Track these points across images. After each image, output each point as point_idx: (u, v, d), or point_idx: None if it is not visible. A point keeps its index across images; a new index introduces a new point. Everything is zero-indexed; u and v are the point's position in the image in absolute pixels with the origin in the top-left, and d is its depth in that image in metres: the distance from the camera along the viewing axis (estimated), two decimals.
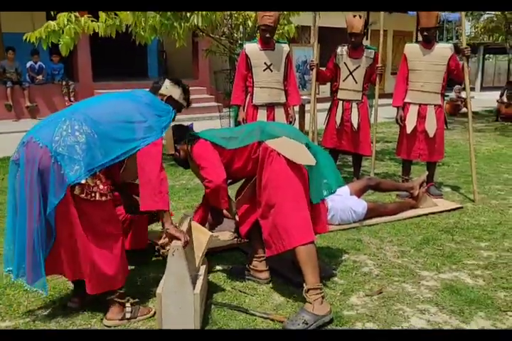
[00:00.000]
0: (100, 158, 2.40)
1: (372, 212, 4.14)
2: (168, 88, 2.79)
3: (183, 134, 2.99)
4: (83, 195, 2.38)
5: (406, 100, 5.02)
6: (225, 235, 3.67)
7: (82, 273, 2.52)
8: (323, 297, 2.60)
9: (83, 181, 2.36)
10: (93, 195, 2.41)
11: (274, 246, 2.75)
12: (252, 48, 4.91)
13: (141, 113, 2.56)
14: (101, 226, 2.48)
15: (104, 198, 2.45)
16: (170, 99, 2.80)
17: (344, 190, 4.16)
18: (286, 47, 4.97)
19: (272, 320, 2.61)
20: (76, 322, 2.61)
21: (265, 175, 2.77)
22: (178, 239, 2.49)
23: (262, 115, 4.96)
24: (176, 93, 2.82)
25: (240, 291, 2.95)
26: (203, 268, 2.74)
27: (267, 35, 4.77)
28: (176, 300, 2.43)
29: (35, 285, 2.49)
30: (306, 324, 2.49)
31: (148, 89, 2.81)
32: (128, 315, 2.61)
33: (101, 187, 2.44)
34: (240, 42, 7.19)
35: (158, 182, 2.46)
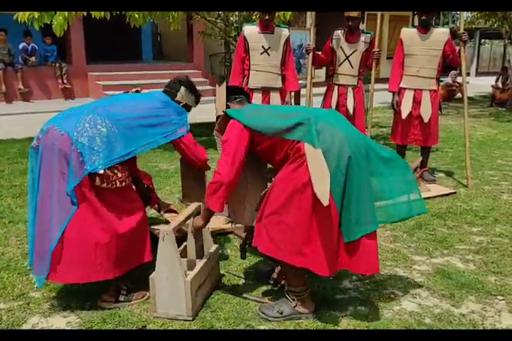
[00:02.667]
0: (119, 151, 2.50)
1: None
2: (183, 96, 2.92)
3: (237, 94, 2.84)
4: (104, 185, 2.48)
5: (401, 85, 5.00)
6: (219, 219, 3.68)
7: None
8: (306, 297, 2.51)
9: (101, 172, 2.44)
10: (113, 183, 2.51)
11: (260, 244, 2.47)
12: (250, 31, 4.86)
13: (159, 110, 2.71)
14: (125, 206, 2.57)
15: (124, 184, 2.55)
16: (184, 106, 2.92)
17: None
18: (285, 31, 4.92)
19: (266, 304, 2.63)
20: (71, 305, 2.63)
21: (283, 176, 2.42)
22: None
23: (257, 98, 4.94)
24: (191, 101, 2.96)
25: (234, 275, 2.97)
26: (209, 253, 2.77)
27: (266, 18, 4.72)
28: (168, 286, 2.45)
29: (35, 275, 2.55)
30: (281, 314, 2.51)
31: (162, 90, 2.92)
32: (122, 298, 2.64)
33: (119, 175, 2.53)
34: (235, 25, 7.13)
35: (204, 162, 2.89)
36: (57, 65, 11.00)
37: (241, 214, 2.76)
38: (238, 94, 2.84)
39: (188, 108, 2.96)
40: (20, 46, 10.75)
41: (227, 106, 2.75)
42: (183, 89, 2.89)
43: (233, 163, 2.45)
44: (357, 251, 2.36)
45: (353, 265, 2.39)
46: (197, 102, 3.04)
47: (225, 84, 2.88)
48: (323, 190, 2.22)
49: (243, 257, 2.92)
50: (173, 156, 5.93)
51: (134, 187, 2.91)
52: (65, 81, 11.09)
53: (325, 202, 2.20)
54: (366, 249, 2.37)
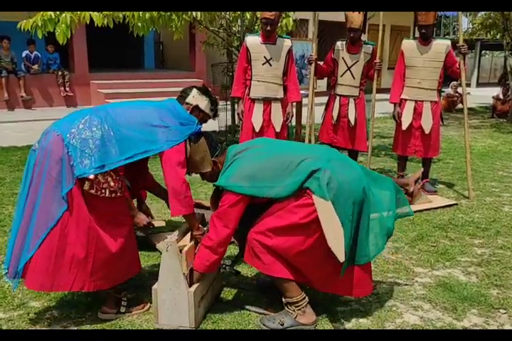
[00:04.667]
0: (114, 156, 2.39)
1: None
2: (195, 97, 2.73)
3: (216, 145, 2.72)
4: (92, 191, 2.37)
5: (402, 96, 5.02)
6: None
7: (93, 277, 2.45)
8: (305, 307, 2.51)
9: (91, 177, 2.34)
10: (103, 191, 2.39)
11: (249, 260, 2.53)
12: (252, 41, 4.88)
13: (162, 119, 2.55)
14: (114, 218, 2.47)
15: (113, 195, 2.42)
16: (196, 109, 2.73)
17: None
18: (288, 42, 4.94)
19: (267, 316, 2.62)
20: (71, 315, 2.62)
21: (284, 207, 2.42)
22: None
23: (258, 109, 4.96)
24: (203, 103, 2.75)
25: (237, 286, 2.96)
26: None
27: (268, 29, 4.74)
28: (172, 297, 2.44)
29: (10, 279, 2.47)
30: (282, 325, 2.51)
31: (175, 97, 2.77)
32: (123, 309, 2.62)
33: (112, 184, 2.41)
34: (237, 35, 7.16)
35: (182, 189, 2.48)
36: (60, 72, 11.04)
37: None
38: (215, 144, 2.70)
39: (200, 115, 2.73)
40: (24, 54, 10.80)
41: (214, 163, 2.66)
42: (195, 91, 2.74)
43: (228, 233, 2.45)
44: (351, 277, 2.50)
45: (345, 290, 2.54)
46: (212, 110, 2.81)
47: (202, 139, 2.62)
48: (338, 248, 2.31)
49: (235, 274, 2.96)
50: None
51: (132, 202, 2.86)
52: (67, 89, 11.13)
53: (341, 258, 2.31)
54: (360, 275, 2.51)
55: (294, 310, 2.50)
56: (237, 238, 2.83)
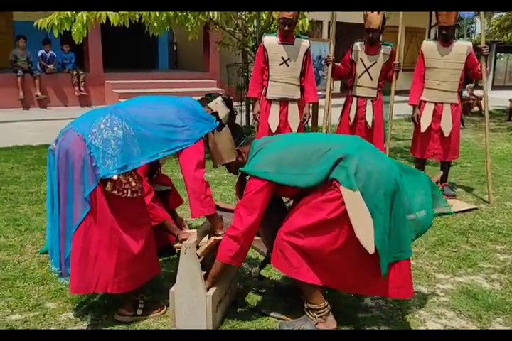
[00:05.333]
0: (135, 156, 2.36)
1: None
2: (217, 104, 2.70)
3: (241, 134, 2.67)
4: (115, 191, 2.34)
5: (422, 98, 4.94)
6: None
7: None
8: (327, 315, 2.44)
9: (115, 177, 2.31)
10: (125, 191, 2.36)
11: (277, 263, 2.44)
12: (270, 41, 4.84)
13: (181, 118, 2.51)
14: (135, 219, 2.45)
15: (135, 195, 2.40)
16: (214, 115, 2.68)
17: None
18: (306, 42, 4.88)
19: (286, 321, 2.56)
20: (87, 317, 2.58)
21: (311, 204, 2.32)
22: None
23: (275, 109, 4.91)
24: (223, 112, 2.70)
25: (253, 290, 2.91)
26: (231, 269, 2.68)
27: (286, 29, 4.70)
28: (189, 300, 2.39)
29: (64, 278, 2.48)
30: None
31: (197, 98, 2.74)
32: (140, 312, 2.58)
33: (133, 184, 2.38)
34: (253, 35, 7.12)
35: (202, 189, 2.44)
36: (75, 72, 11.08)
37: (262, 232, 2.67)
38: (239, 133, 2.67)
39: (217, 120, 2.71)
40: (39, 53, 10.85)
41: (239, 152, 2.58)
42: (220, 98, 2.72)
43: (253, 221, 2.35)
44: (389, 276, 2.32)
45: (384, 290, 2.36)
46: (230, 120, 2.76)
47: (226, 128, 2.61)
48: (367, 239, 2.19)
49: (260, 279, 2.88)
50: None
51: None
52: (81, 88, 11.16)
53: (371, 250, 2.19)
54: (399, 275, 2.34)
55: (315, 317, 2.43)
56: (265, 241, 2.74)
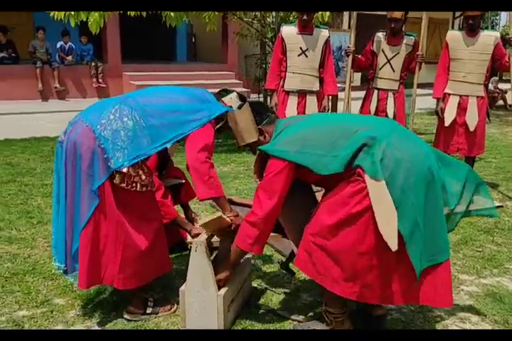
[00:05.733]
0: (145, 147, 2.29)
1: None
2: (232, 99, 2.59)
3: (264, 112, 2.46)
4: (123, 185, 2.26)
5: (446, 91, 4.77)
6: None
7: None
8: (345, 319, 2.29)
9: (125, 170, 2.24)
10: (134, 185, 2.29)
11: (301, 265, 2.24)
12: (288, 31, 4.70)
13: (192, 103, 2.45)
14: (144, 214, 2.37)
15: (144, 189, 2.32)
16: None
17: None
18: (325, 32, 4.74)
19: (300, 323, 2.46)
20: (95, 315, 2.51)
21: (335, 199, 2.12)
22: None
23: (292, 101, 4.78)
24: (235, 107, 2.59)
25: (267, 288, 2.80)
26: (244, 268, 2.60)
27: (305, 18, 4.56)
28: (200, 300, 2.29)
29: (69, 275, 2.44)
30: None
31: (212, 92, 2.66)
32: (149, 310, 2.50)
33: (143, 177, 2.31)
34: (272, 26, 6.98)
35: (205, 170, 2.35)
36: (93, 64, 11.06)
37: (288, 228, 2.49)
38: (262, 111, 2.48)
39: (226, 117, 2.61)
40: (58, 45, 10.85)
41: (261, 131, 2.41)
42: (234, 94, 2.61)
43: (274, 205, 2.17)
44: (425, 281, 2.09)
45: (421, 297, 2.12)
46: None
47: (246, 105, 2.49)
48: (390, 234, 1.97)
49: (291, 275, 2.74)
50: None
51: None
52: (100, 80, 11.14)
53: (393, 247, 1.97)
54: (437, 279, 2.10)
55: (331, 320, 2.30)
56: (291, 237, 2.50)
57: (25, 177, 4.95)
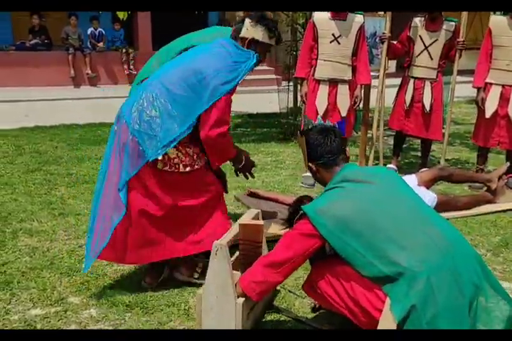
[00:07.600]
0: (176, 130, 2.35)
1: (442, 206, 3.68)
2: (248, 29, 2.49)
3: (321, 153, 2.17)
4: (167, 168, 2.38)
5: (488, 80, 4.48)
6: (276, 224, 3.37)
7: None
8: None
9: (160, 157, 2.34)
10: (177, 166, 2.40)
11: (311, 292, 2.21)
12: (320, 17, 4.47)
13: (216, 69, 2.39)
14: (191, 193, 2.49)
15: (188, 169, 2.42)
16: (253, 42, 2.52)
17: (411, 180, 3.73)
18: (359, 18, 4.48)
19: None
20: (109, 315, 2.42)
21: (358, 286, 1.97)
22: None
23: (323, 91, 4.57)
24: (259, 34, 2.51)
25: (290, 292, 2.66)
26: None
27: None
28: (217, 306, 2.16)
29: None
30: None
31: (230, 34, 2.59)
32: (196, 276, 2.64)
33: (183, 158, 2.41)
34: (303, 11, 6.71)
35: (218, 145, 2.47)
36: (124, 50, 11.02)
37: None
38: (317, 150, 2.15)
39: (260, 46, 2.53)
40: (89, 31, 10.85)
41: (310, 168, 2.22)
42: (247, 21, 2.48)
43: (287, 259, 2.01)
44: None
45: None
46: (272, 37, 2.54)
47: (303, 139, 2.20)
48: None
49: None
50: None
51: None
52: (131, 67, 11.10)
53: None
54: None
55: None
56: None
57: (51, 166, 4.92)
